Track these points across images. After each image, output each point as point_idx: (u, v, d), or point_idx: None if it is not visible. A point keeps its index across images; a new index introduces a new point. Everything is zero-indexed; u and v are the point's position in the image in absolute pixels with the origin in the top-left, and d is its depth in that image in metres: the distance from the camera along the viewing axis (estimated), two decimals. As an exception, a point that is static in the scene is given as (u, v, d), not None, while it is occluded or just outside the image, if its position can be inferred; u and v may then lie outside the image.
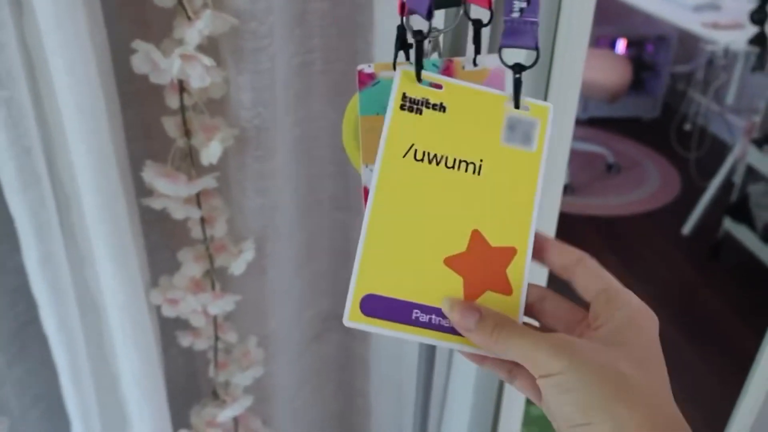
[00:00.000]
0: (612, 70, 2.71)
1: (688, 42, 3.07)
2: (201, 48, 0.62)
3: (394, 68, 0.37)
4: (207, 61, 0.61)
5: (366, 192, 0.38)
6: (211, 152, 0.66)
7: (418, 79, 0.36)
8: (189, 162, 0.70)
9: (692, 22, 2.47)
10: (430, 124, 0.36)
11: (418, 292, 0.34)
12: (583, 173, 2.84)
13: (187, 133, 0.68)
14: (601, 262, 0.36)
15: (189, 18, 0.60)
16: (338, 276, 0.91)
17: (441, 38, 0.43)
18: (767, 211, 2.20)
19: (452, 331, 0.34)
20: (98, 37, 0.61)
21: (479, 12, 0.39)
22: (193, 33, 0.59)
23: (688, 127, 2.98)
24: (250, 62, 0.65)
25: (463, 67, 0.39)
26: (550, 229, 0.81)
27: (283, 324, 0.87)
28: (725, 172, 2.38)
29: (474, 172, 0.36)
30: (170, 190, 0.67)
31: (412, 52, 0.37)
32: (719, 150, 2.77)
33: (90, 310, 0.74)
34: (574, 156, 2.97)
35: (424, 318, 0.34)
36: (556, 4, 0.69)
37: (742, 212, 2.25)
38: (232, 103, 0.68)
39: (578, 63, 0.72)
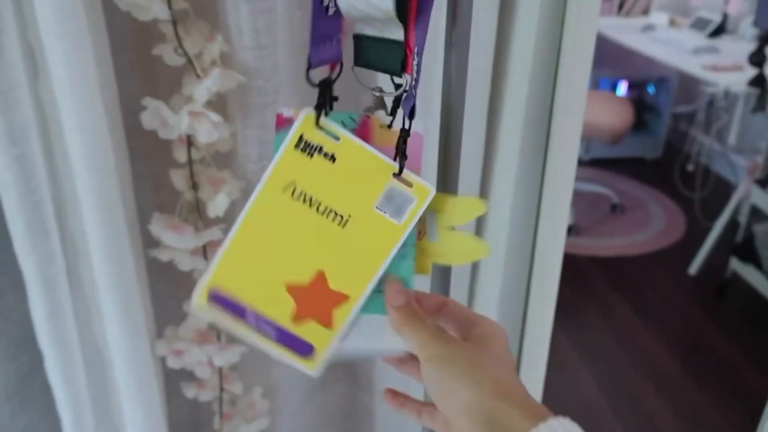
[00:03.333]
0: (614, 112, 2.74)
1: (689, 83, 3.11)
2: (209, 103, 0.63)
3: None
4: (215, 117, 0.62)
5: None
6: (218, 205, 0.67)
7: (317, 123, 0.38)
8: (196, 214, 0.70)
9: (692, 65, 2.50)
10: (316, 170, 0.38)
11: (255, 300, 0.40)
12: (587, 214, 2.84)
13: (195, 185, 0.69)
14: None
15: (198, 75, 0.62)
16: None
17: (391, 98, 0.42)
18: (774, 251, 2.19)
19: (276, 339, 0.40)
20: (109, 94, 0.63)
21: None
22: (202, 90, 0.61)
23: (691, 167, 2.99)
24: (256, 117, 0.66)
25: (381, 126, 0.40)
26: (553, 271, 0.81)
27: (287, 374, 0.86)
28: (730, 211, 2.38)
29: (339, 224, 0.39)
30: (177, 242, 0.68)
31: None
32: (723, 189, 2.77)
33: (95, 363, 0.74)
34: (579, 197, 2.97)
35: (253, 321, 0.40)
36: (555, 49, 0.71)
37: (749, 252, 2.23)
38: (239, 156, 0.69)
39: (579, 106, 0.73)
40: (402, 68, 0.39)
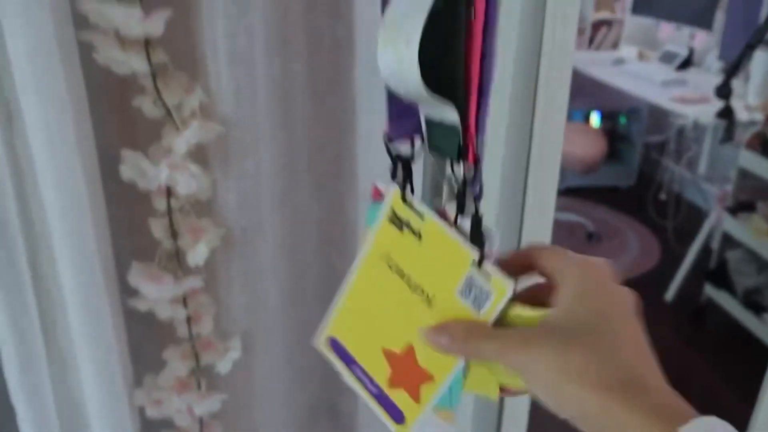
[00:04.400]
0: (588, 142, 2.80)
1: (659, 114, 3.18)
2: (188, 152, 0.63)
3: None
4: (194, 169, 0.62)
5: None
6: (197, 254, 0.67)
7: (403, 199, 0.39)
8: (176, 262, 0.70)
9: (661, 97, 2.57)
10: (406, 244, 0.39)
11: (360, 354, 0.42)
12: (564, 243, 2.85)
13: (174, 234, 0.69)
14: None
15: (177, 128, 0.62)
16: (325, 365, 0.91)
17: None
18: (747, 277, 2.23)
19: (374, 397, 0.42)
20: (86, 143, 0.63)
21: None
22: (181, 143, 0.61)
23: (663, 196, 3.05)
24: (236, 166, 0.67)
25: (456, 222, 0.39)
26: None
27: (270, 421, 0.85)
28: (702, 239, 2.42)
29: (426, 301, 0.38)
30: (156, 292, 0.67)
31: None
32: (695, 217, 2.83)
33: (70, 419, 0.73)
34: (555, 226, 2.99)
35: (358, 373, 0.42)
36: (532, 88, 0.72)
37: (722, 278, 2.28)
38: (219, 204, 0.69)
39: (557, 142, 0.74)
40: (459, 155, 0.36)
